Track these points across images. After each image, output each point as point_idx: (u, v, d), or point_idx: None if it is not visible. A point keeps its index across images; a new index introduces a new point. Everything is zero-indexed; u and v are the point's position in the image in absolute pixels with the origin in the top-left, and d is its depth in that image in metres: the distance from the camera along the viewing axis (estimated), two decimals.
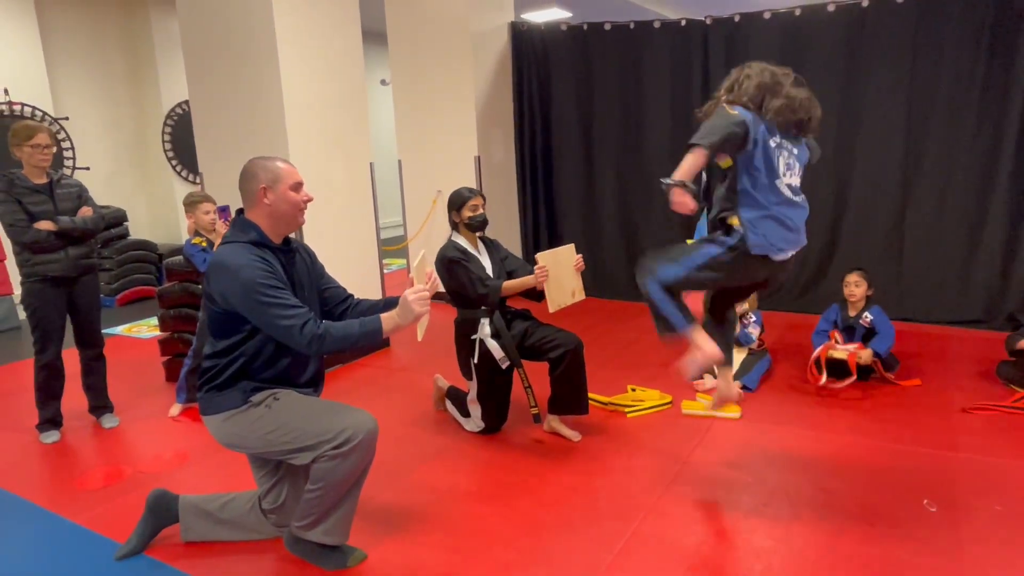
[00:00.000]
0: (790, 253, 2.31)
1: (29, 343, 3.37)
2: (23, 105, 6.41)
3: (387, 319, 2.08)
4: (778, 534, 2.32)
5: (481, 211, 3.18)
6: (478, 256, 3.17)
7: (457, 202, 3.18)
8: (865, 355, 3.56)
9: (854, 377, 3.56)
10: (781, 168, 2.24)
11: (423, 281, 2.14)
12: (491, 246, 3.29)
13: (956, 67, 4.50)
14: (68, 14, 7.12)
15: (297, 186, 2.16)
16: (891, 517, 2.40)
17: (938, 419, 3.18)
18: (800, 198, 2.31)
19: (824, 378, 3.54)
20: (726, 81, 2.33)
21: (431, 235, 5.93)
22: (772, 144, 2.21)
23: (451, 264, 3.08)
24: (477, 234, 3.23)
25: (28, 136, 3.17)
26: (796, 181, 2.30)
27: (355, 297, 2.42)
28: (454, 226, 3.22)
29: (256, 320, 2.04)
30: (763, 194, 2.21)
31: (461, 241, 3.17)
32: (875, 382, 3.63)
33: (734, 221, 2.24)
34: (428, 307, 2.09)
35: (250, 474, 2.38)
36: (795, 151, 2.29)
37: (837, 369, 3.60)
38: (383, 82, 10.39)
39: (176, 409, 3.69)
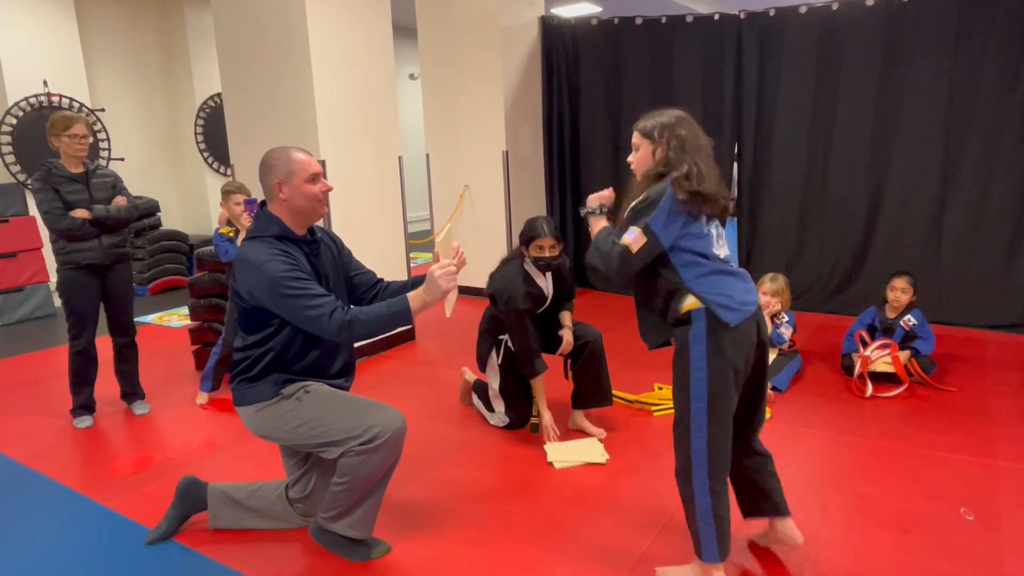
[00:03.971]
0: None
1: (64, 330, 3.44)
2: (61, 96, 6.54)
3: (414, 297, 2.03)
4: (808, 539, 2.27)
5: (547, 254, 2.96)
6: (542, 288, 3.06)
7: (527, 235, 3.01)
8: (903, 356, 3.53)
9: (906, 385, 3.49)
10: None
11: (449, 256, 2.06)
12: (558, 275, 3.12)
13: (1000, 64, 4.37)
14: (106, 9, 7.25)
15: (314, 177, 2.10)
16: (926, 525, 2.34)
17: (976, 425, 3.10)
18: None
19: (870, 389, 3.46)
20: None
21: (457, 230, 5.94)
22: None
23: (513, 316, 2.95)
24: None
25: (66, 126, 3.23)
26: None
27: (385, 281, 2.40)
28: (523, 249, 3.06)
29: (283, 313, 2.03)
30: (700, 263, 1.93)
31: (529, 268, 3.04)
32: (912, 384, 3.54)
33: (691, 305, 1.90)
34: (455, 282, 2.03)
35: (277, 463, 2.40)
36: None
37: (882, 377, 3.54)
38: (412, 76, 10.41)
39: (203, 397, 3.73)
